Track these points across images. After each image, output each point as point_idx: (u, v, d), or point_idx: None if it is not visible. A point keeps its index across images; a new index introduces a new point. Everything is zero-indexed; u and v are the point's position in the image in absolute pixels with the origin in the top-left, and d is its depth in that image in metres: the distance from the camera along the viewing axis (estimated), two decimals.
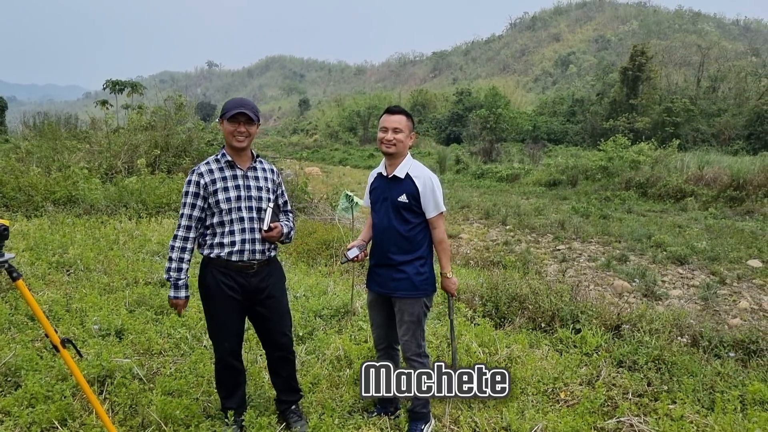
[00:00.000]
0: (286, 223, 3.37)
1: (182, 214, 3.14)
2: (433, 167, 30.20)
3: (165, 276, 3.16)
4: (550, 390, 4.17)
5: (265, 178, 3.30)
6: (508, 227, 13.67)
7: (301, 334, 4.93)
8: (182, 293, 3.15)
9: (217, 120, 3.11)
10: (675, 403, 3.99)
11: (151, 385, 3.87)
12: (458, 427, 3.59)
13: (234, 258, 3.15)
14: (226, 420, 3.31)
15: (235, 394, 3.45)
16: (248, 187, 3.20)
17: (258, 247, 3.20)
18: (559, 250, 11.05)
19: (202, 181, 3.11)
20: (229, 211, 3.13)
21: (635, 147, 23.68)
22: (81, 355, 2.92)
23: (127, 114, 20.07)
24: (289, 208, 3.51)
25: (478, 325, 5.39)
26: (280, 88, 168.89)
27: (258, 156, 3.34)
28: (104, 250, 7.39)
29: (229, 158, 3.18)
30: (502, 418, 3.62)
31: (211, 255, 3.17)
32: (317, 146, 49.52)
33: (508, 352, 4.69)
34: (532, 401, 3.95)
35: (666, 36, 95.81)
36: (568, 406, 3.95)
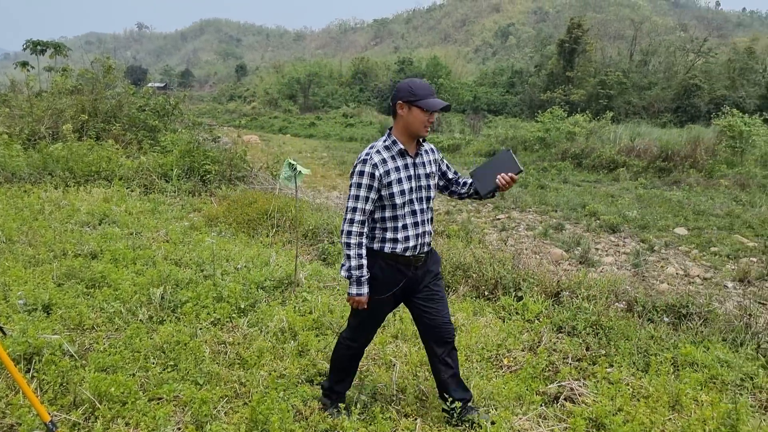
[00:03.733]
0: None
1: (355, 208, 2.94)
2: (375, 137, 30.08)
3: (344, 274, 3.00)
4: (493, 356, 4.24)
5: (430, 162, 3.14)
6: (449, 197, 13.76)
7: (242, 306, 4.80)
8: (365, 289, 2.99)
9: (397, 101, 2.94)
10: (612, 366, 4.13)
11: (84, 362, 3.68)
12: (404, 395, 3.59)
13: (408, 253, 3.04)
14: (336, 406, 3.28)
15: (349, 379, 3.43)
16: (418, 177, 3.05)
17: (427, 239, 3.12)
18: (499, 219, 11.23)
19: (377, 173, 2.91)
20: (403, 204, 2.99)
21: (571, 119, 24.27)
22: (5, 333, 2.72)
23: (51, 77, 18.87)
24: (459, 175, 3.36)
25: None
26: (215, 52, 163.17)
27: (424, 139, 3.13)
28: (28, 220, 6.96)
29: (402, 146, 2.98)
30: None
31: (384, 249, 3.02)
32: (256, 114, 48.16)
33: (453, 321, 4.71)
34: (476, 368, 4.00)
35: (601, 9, 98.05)
36: (511, 372, 4.02)
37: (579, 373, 4.05)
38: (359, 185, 2.92)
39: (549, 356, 4.24)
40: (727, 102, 30.47)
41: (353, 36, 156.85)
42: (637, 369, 4.11)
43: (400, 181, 2.96)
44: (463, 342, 4.31)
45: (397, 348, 4.26)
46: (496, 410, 3.42)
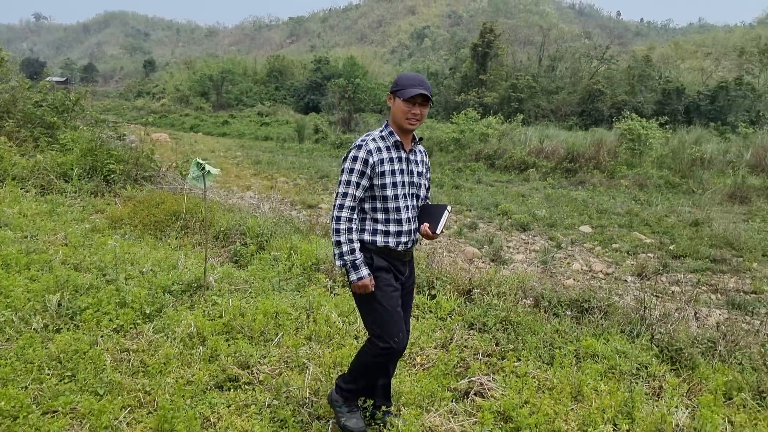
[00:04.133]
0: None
1: (346, 193, 2.89)
2: (291, 136, 29.73)
3: (338, 263, 2.90)
4: (407, 355, 4.27)
5: (422, 162, 3.16)
6: None
7: (148, 311, 4.58)
8: (365, 271, 2.88)
9: (388, 93, 2.98)
10: (520, 360, 4.27)
11: None
12: (317, 398, 3.55)
13: (400, 248, 3.01)
14: (362, 407, 3.24)
15: (373, 384, 3.25)
16: (410, 172, 3.04)
17: (415, 236, 3.11)
18: None
19: (371, 160, 2.88)
20: (395, 197, 2.96)
21: (484, 120, 24.98)
22: None
23: None
24: (428, 196, 3.27)
25: (338, 295, 5.38)
26: (121, 46, 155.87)
27: (421, 138, 3.15)
28: None
29: (398, 138, 2.97)
30: None
31: (377, 243, 2.92)
32: (165, 111, 46.33)
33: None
34: None
35: (512, 15, 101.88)
36: (424, 370, 4.07)
37: (488, 368, 4.16)
38: (351, 170, 2.89)
39: (460, 353, 4.33)
40: (627, 107, 32.30)
41: (268, 33, 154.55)
42: (543, 362, 4.27)
43: (393, 172, 2.95)
44: None
45: (310, 350, 4.21)
46: (407, 408, 3.44)
